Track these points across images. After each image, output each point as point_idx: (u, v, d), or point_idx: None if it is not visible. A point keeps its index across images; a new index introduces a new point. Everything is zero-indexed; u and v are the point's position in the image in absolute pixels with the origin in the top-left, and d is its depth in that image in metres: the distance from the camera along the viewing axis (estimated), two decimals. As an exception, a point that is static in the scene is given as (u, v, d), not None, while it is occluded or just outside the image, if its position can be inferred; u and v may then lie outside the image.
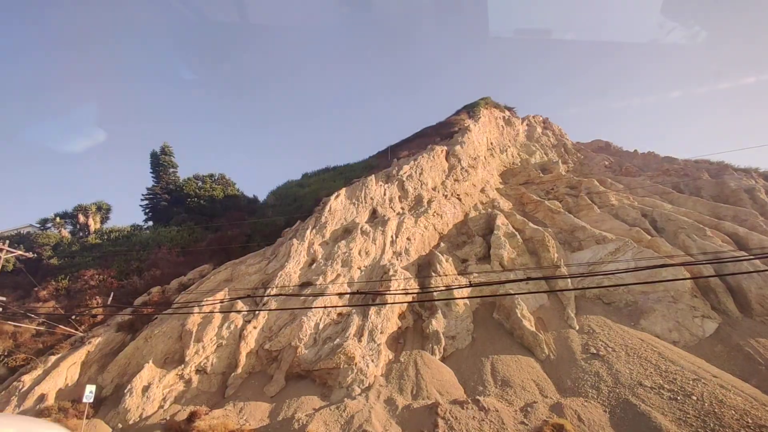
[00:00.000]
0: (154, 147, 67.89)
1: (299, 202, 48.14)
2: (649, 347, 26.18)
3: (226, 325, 27.98)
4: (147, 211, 57.98)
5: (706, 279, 29.98)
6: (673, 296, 29.78)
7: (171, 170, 60.46)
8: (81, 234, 53.26)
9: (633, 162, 60.82)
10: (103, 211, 58.19)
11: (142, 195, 58.36)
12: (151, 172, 60.13)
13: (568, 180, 50.03)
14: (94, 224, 55.32)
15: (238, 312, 28.49)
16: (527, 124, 71.30)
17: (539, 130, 71.54)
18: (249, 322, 28.27)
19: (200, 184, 57.87)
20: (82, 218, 55.40)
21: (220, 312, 28.42)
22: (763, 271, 28.39)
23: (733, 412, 20.21)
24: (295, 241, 33.95)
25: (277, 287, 29.92)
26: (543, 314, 30.74)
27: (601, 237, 35.82)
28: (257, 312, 28.57)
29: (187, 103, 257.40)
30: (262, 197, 61.56)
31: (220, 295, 29.62)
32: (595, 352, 26.33)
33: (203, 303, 28.23)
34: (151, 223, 56.35)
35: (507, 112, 70.32)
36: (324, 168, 65.22)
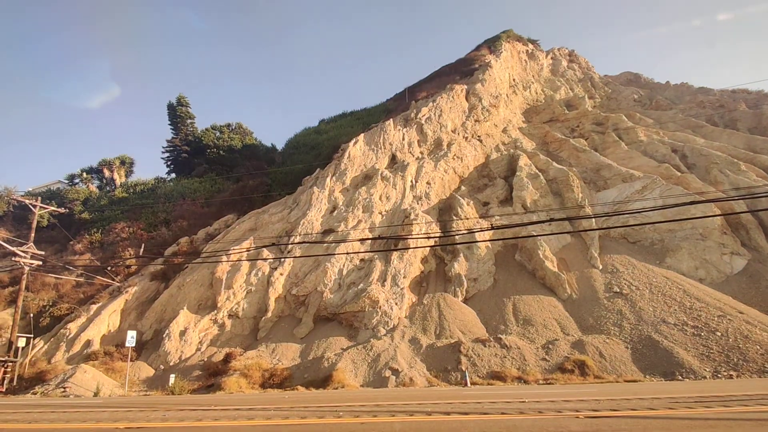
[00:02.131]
0: (169, 98, 67.57)
1: (317, 149, 47.81)
2: (674, 285, 26.06)
3: (253, 272, 28.87)
4: (169, 163, 58.69)
5: (737, 215, 29.11)
6: (702, 233, 29.16)
7: (188, 121, 60.37)
8: (108, 188, 54.60)
9: (665, 94, 57.80)
10: (127, 164, 59.16)
11: (163, 147, 58.91)
12: (169, 124, 60.22)
13: (595, 116, 48.07)
14: (119, 178, 56.49)
15: (265, 260, 29.26)
16: (552, 58, 67.83)
17: (564, 63, 68.09)
18: (275, 269, 29.09)
19: (218, 134, 57.84)
20: (107, 172, 56.55)
21: (247, 260, 29.26)
22: (799, 205, 27.40)
23: (758, 347, 20.25)
24: (315, 188, 34.07)
25: (300, 235, 30.44)
26: (566, 254, 30.66)
27: (627, 175, 34.80)
28: (283, 259, 29.29)
29: (198, 52, 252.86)
30: (280, 146, 61.44)
31: (246, 244, 30.35)
32: (618, 290, 26.37)
33: (230, 252, 29.04)
34: (173, 175, 57.20)
35: (530, 46, 66.71)
36: (341, 113, 64.10)
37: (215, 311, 27.16)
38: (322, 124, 60.95)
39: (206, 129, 58.54)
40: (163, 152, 58.73)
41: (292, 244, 29.79)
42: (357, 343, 24.43)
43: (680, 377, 19.50)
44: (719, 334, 21.50)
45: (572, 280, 28.07)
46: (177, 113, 59.49)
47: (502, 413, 9.07)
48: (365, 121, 51.64)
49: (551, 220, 13.00)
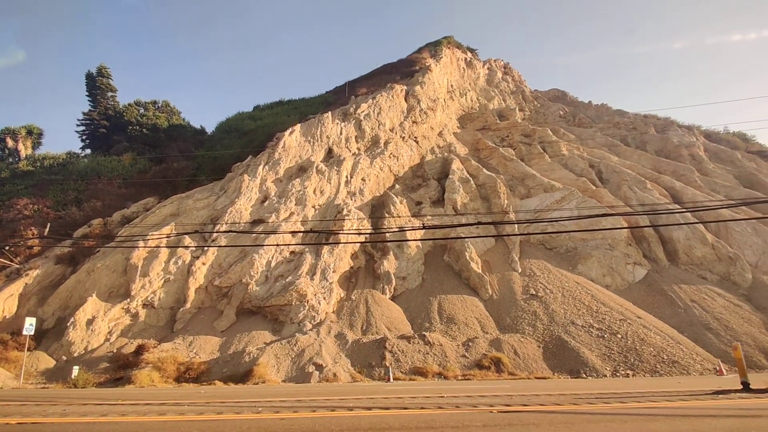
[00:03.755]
0: (88, 70, 62.15)
1: (251, 136, 46.09)
2: (583, 290, 28.16)
3: (173, 260, 27.34)
4: (84, 137, 53.91)
5: (641, 229, 32.04)
6: (610, 244, 31.76)
7: (109, 94, 55.79)
8: (10, 159, 49.12)
9: (587, 113, 62.21)
10: (35, 135, 53.58)
11: (78, 120, 54.01)
12: (87, 96, 55.30)
13: (523, 128, 50.69)
14: (24, 149, 51.03)
15: (186, 247, 27.82)
16: (488, 68, 70.56)
17: (499, 75, 71.13)
18: (197, 257, 27.75)
19: (142, 111, 54.11)
20: (10, 142, 50.85)
21: (166, 247, 27.63)
22: (692, 223, 30.67)
23: (652, 349, 22.45)
24: (246, 176, 32.94)
25: (226, 223, 29.26)
26: (489, 257, 32.08)
27: (549, 185, 37.06)
28: (206, 248, 28.01)
29: (123, 26, 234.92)
30: (210, 128, 58.67)
31: (166, 230, 28.67)
32: (534, 293, 28.03)
33: (149, 237, 27.25)
34: (89, 151, 52.65)
35: (469, 54, 68.93)
36: (278, 101, 62.28)
37: (128, 300, 25.38)
38: (257, 110, 58.91)
39: (129, 104, 54.54)
40: (78, 125, 53.91)
41: (217, 232, 28.56)
42: (281, 337, 23.96)
43: (584, 375, 21.12)
44: (620, 336, 23.56)
45: (494, 281, 29.45)
46: (97, 84, 54.84)
47: (422, 408, 9.28)
48: (303, 111, 50.65)
49: (479, 223, 13.55)
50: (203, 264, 27.57)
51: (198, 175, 38.95)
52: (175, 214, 31.46)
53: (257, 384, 19.04)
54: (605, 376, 20.91)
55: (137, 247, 26.92)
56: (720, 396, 10.84)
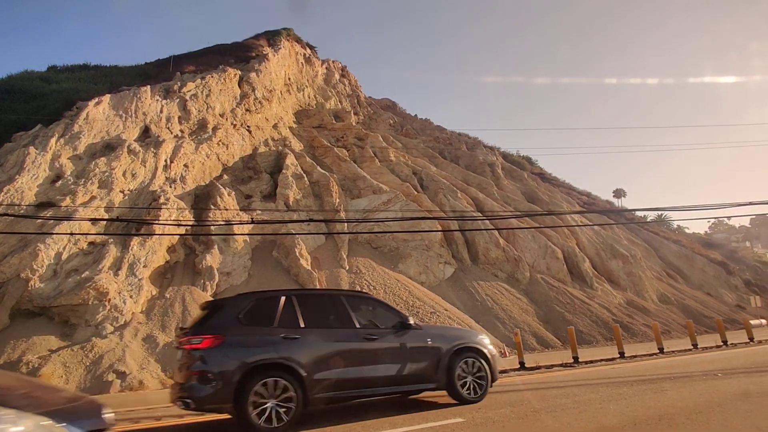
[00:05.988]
0: None
1: (42, 101, 37.67)
2: (402, 286, 30.46)
3: None
4: None
5: (452, 232, 36.16)
6: (427, 245, 35.06)
7: None
8: None
9: (413, 125, 67.66)
10: None
11: None
12: None
13: (357, 131, 52.56)
14: None
15: (-66, 232, 21.47)
16: (327, 68, 71.23)
17: (337, 76, 72.47)
18: (-48, 245, 21.65)
19: None
20: None
21: None
22: (490, 229, 35.74)
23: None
24: (32, 149, 27.00)
25: (2, 205, 23.47)
26: (319, 254, 32.35)
27: (378, 188, 39.17)
28: (-34, 234, 22.03)
29: None
30: (-18, 85, 46.44)
31: None
32: (359, 289, 29.21)
33: None
34: None
35: (308, 50, 68.45)
36: (82, 64, 52.10)
37: None
38: (53, 71, 48.66)
39: None
40: None
41: (-15, 214, 22.67)
42: (73, 343, 20.22)
43: (400, 366, 22.75)
44: (431, 328, 26.07)
45: (322, 278, 29.76)
46: None
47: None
48: (115, 80, 43.57)
49: (311, 220, 13.50)
50: (-40, 254, 21.62)
51: (-43, 141, 30.40)
52: None
53: (34, 401, 15.65)
54: (418, 365, 22.86)
55: None
56: (503, 374, 12.81)
